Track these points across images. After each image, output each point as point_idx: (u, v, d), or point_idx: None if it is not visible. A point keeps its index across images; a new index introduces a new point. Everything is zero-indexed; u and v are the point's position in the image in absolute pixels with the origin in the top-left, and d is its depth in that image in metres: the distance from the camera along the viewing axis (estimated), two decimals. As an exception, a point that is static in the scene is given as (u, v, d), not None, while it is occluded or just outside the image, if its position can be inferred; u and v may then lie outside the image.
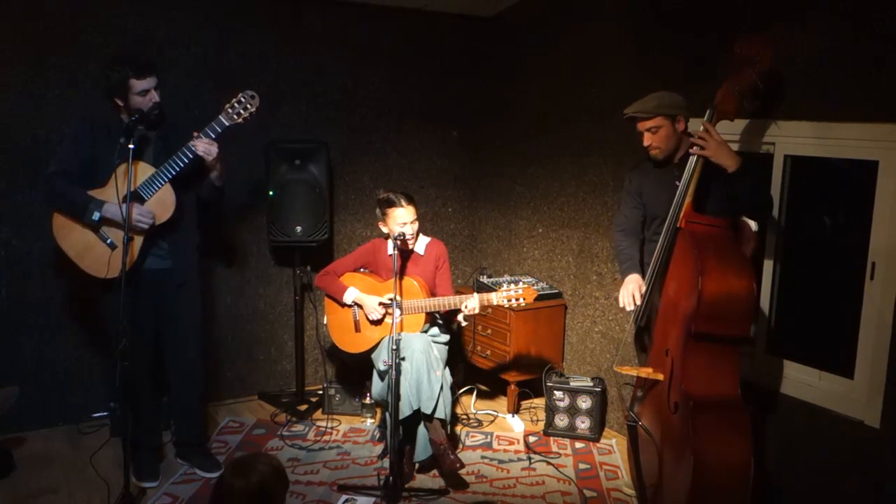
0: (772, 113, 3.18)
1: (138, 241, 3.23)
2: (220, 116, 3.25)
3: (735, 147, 3.36)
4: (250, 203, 4.38)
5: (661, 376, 2.99)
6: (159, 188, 3.21)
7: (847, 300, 3.11)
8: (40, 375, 3.98)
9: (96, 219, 3.18)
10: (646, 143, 3.14)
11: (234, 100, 3.26)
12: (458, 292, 3.92)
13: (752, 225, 3.35)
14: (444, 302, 3.65)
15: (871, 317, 2.97)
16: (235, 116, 3.25)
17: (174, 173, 3.20)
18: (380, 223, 3.78)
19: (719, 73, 3.31)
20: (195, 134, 3.21)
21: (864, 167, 2.99)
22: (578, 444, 4.03)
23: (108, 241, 3.25)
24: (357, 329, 3.81)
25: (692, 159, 2.95)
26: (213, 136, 3.24)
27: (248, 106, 3.26)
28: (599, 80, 4.15)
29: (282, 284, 4.60)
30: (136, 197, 3.17)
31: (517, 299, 3.57)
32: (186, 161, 3.21)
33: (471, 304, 3.59)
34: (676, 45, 3.66)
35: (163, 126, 3.31)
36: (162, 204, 3.24)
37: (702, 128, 2.92)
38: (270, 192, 4.19)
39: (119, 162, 3.16)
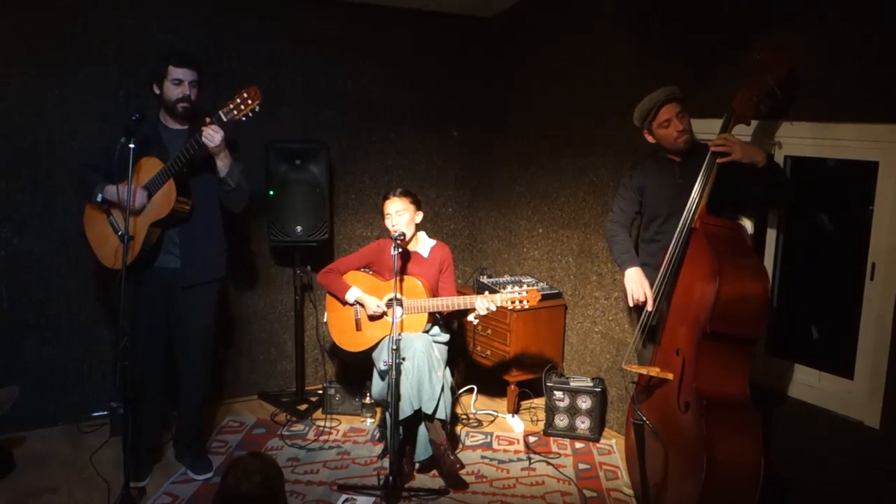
0: (779, 114, 3.18)
1: (140, 236, 3.23)
2: (220, 111, 3.22)
3: None
4: (250, 203, 4.36)
5: (670, 376, 3.00)
6: (163, 183, 3.22)
7: (847, 301, 3.11)
8: (40, 375, 3.98)
9: (99, 200, 3.26)
10: (680, 127, 3.13)
11: (237, 95, 3.23)
12: (459, 293, 3.92)
13: (748, 227, 3.36)
14: (451, 302, 3.64)
15: (871, 317, 2.97)
16: (235, 112, 3.22)
17: (178, 167, 3.20)
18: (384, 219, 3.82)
19: (721, 72, 3.32)
20: (207, 120, 3.21)
21: (864, 168, 2.99)
22: (578, 445, 4.03)
23: (119, 234, 3.27)
24: (358, 328, 3.81)
25: (708, 161, 2.96)
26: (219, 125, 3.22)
27: (250, 101, 3.22)
28: (600, 80, 4.15)
29: (282, 284, 4.60)
30: (146, 188, 3.21)
31: (521, 301, 3.57)
32: (192, 153, 3.19)
33: (485, 306, 3.57)
34: (676, 45, 3.67)
35: (193, 124, 3.32)
36: (166, 198, 3.24)
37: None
38: (270, 192, 4.19)
39: (136, 157, 3.15)
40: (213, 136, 3.19)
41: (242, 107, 3.22)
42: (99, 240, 3.36)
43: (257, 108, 3.24)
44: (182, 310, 3.44)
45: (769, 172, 2.96)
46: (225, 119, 3.22)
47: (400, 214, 3.71)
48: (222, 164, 3.31)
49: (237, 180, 3.39)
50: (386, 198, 3.78)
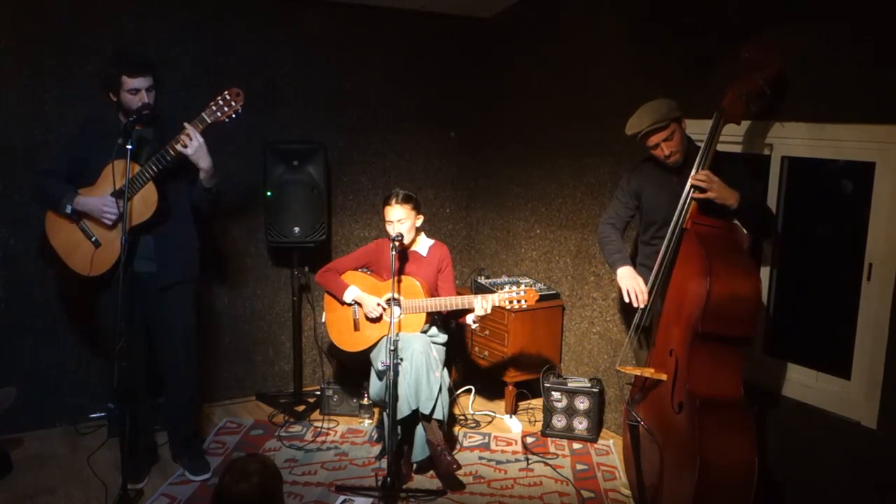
0: (771, 114, 3.19)
1: (117, 242, 3.16)
2: (203, 113, 3.18)
3: (737, 149, 3.37)
4: (248, 204, 4.38)
5: (664, 376, 3.00)
6: (142, 186, 3.17)
7: (844, 301, 3.12)
8: (38, 376, 3.97)
9: (68, 211, 3.17)
10: (666, 152, 3.10)
11: (219, 96, 3.19)
12: (457, 293, 3.92)
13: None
14: (449, 302, 3.64)
15: (868, 318, 2.97)
16: (219, 113, 3.18)
17: (156, 170, 3.16)
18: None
19: (718, 73, 3.33)
20: (186, 125, 3.16)
21: (861, 168, 3.00)
22: (576, 445, 4.03)
23: (93, 239, 3.24)
24: (356, 328, 3.80)
25: (689, 185, 2.97)
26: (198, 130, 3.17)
27: (233, 103, 3.18)
28: (598, 80, 4.16)
29: (279, 285, 4.60)
30: (121, 195, 3.13)
31: (519, 301, 3.57)
32: (168, 160, 3.16)
33: (482, 306, 3.56)
34: (675, 46, 3.67)
35: (158, 126, 3.27)
36: (145, 202, 3.20)
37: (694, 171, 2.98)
38: (268, 193, 4.19)
39: (107, 160, 3.13)
40: (189, 143, 3.14)
41: (226, 108, 3.18)
42: (68, 247, 3.26)
43: (240, 110, 3.20)
44: (162, 311, 3.41)
45: (740, 213, 2.98)
46: (209, 121, 3.18)
47: (402, 223, 3.68)
48: (205, 174, 3.27)
49: (220, 188, 3.36)
50: (387, 203, 3.72)
